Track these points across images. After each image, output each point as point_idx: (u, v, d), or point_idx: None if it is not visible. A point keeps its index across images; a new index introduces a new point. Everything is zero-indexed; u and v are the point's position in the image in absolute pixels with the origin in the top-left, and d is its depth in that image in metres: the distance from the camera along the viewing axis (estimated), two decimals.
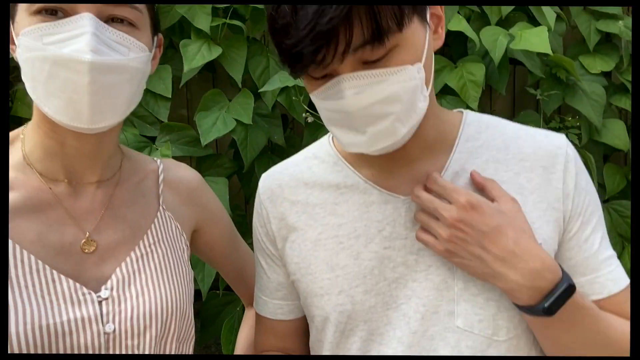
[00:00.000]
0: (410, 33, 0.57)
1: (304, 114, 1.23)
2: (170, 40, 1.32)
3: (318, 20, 0.53)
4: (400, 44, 0.57)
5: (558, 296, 0.58)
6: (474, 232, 0.59)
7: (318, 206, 0.72)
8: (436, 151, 0.68)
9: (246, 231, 1.33)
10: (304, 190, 0.73)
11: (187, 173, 0.80)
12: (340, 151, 0.73)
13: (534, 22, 1.44)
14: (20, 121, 1.24)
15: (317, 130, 1.26)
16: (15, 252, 0.59)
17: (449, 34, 1.35)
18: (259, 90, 1.25)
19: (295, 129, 1.39)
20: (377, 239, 0.67)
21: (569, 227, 0.64)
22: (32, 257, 0.60)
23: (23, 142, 0.66)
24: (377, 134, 0.60)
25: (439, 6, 0.63)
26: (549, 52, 1.23)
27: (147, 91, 1.23)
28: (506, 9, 1.40)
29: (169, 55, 1.32)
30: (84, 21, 0.57)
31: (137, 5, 0.61)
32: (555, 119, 1.46)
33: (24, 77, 0.60)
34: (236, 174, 1.35)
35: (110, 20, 0.60)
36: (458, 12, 1.38)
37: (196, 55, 1.20)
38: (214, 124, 1.21)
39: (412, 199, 0.64)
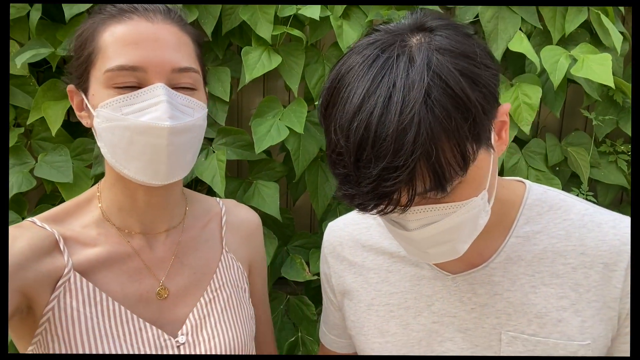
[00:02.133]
0: (475, 169, 0.54)
1: None
2: (229, 41, 1.33)
3: (381, 183, 0.51)
4: (464, 180, 0.54)
5: None
6: None
7: (372, 271, 0.75)
8: (491, 231, 0.66)
9: (292, 234, 1.40)
10: (361, 253, 0.76)
11: (248, 215, 0.85)
12: None
13: (597, 40, 1.40)
14: None
15: None
16: (107, 303, 0.66)
17: (508, 51, 1.33)
18: (315, 103, 1.26)
19: None
20: (425, 312, 0.69)
21: (626, 323, 0.63)
22: (122, 308, 0.66)
23: (100, 200, 0.71)
24: (439, 254, 0.60)
25: (505, 112, 0.59)
26: (612, 84, 1.20)
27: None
28: (569, 27, 1.36)
29: (228, 56, 1.34)
30: (159, 90, 0.62)
31: (196, 68, 0.67)
32: (607, 143, 1.45)
33: (101, 143, 0.65)
34: (285, 177, 1.39)
35: (175, 85, 0.65)
36: (520, 29, 1.35)
37: (256, 64, 1.22)
38: (268, 132, 1.24)
39: None
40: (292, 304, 1.35)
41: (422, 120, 0.49)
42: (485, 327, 0.66)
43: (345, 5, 1.30)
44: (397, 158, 0.50)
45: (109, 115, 0.62)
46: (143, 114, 0.61)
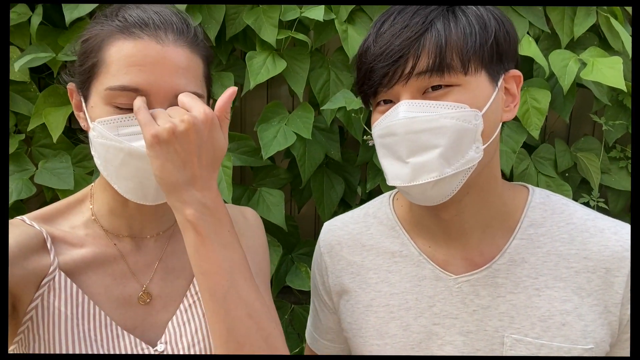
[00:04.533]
0: (475, 82, 0.60)
1: (364, 137, 1.23)
2: (233, 47, 1.32)
3: (393, 41, 0.61)
4: (463, 85, 0.60)
5: None
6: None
7: (372, 271, 0.73)
8: (495, 232, 0.67)
9: (297, 242, 1.37)
10: (360, 252, 0.75)
11: (241, 214, 0.81)
12: (399, 216, 0.75)
13: (606, 43, 1.38)
14: None
15: (372, 147, 1.26)
16: (88, 306, 0.65)
17: None
18: (321, 108, 1.24)
19: (351, 144, 1.39)
20: (427, 313, 0.68)
21: (625, 330, 0.63)
22: (102, 313, 0.66)
23: (92, 201, 0.71)
24: (420, 167, 0.60)
25: (515, 85, 0.65)
26: (623, 88, 1.18)
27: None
28: (578, 31, 1.34)
29: (232, 61, 1.32)
30: None
31: (201, 92, 0.64)
32: (617, 148, 1.42)
33: (94, 154, 0.64)
34: (289, 184, 1.37)
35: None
36: (528, 33, 1.33)
37: (261, 69, 1.20)
38: (275, 138, 1.22)
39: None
40: (297, 313, 1.32)
41: (440, 12, 0.61)
42: (487, 330, 0.65)
43: (350, 10, 1.29)
44: (412, 22, 0.61)
45: (104, 133, 0.61)
46: (138, 138, 0.60)
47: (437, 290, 0.68)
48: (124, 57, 0.60)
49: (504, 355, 0.64)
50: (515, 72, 0.65)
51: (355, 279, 0.74)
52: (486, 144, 0.61)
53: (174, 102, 0.62)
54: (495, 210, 0.66)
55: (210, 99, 0.71)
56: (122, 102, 0.60)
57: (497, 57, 0.62)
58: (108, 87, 0.60)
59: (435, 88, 0.60)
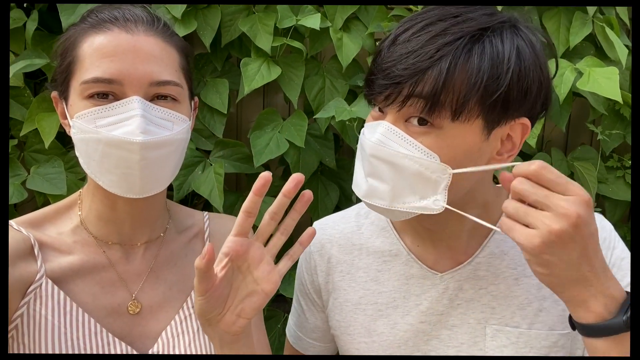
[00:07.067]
0: (461, 129, 0.57)
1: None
2: (228, 53, 1.31)
3: (399, 62, 0.57)
4: (445, 129, 0.57)
5: (629, 307, 0.51)
6: (586, 232, 0.49)
7: (362, 270, 0.75)
8: (477, 230, 0.69)
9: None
10: (350, 251, 0.76)
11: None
12: None
13: (602, 53, 1.38)
14: None
15: None
16: (77, 314, 0.64)
17: None
18: (314, 117, 1.24)
19: (346, 152, 1.39)
20: (414, 312, 0.70)
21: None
22: (92, 320, 0.65)
23: (80, 208, 0.70)
24: (373, 190, 0.61)
25: (520, 133, 0.60)
26: (619, 99, 1.18)
27: (205, 105, 1.24)
28: (574, 40, 1.34)
29: (227, 68, 1.32)
30: (133, 104, 0.61)
31: (178, 81, 0.65)
32: (614, 158, 1.41)
33: (77, 153, 0.65)
34: None
35: (156, 97, 0.64)
36: None
37: (256, 76, 1.20)
38: (267, 145, 1.22)
39: (512, 186, 0.53)
40: None
41: (458, 44, 0.55)
42: (470, 323, 0.67)
43: (345, 17, 1.29)
44: (423, 49, 0.56)
45: (82, 127, 0.61)
46: (116, 127, 0.60)
47: (424, 289, 0.70)
48: (95, 50, 0.62)
49: (486, 345, 0.66)
50: (524, 121, 0.60)
51: (344, 277, 0.75)
52: (455, 194, 0.60)
53: (149, 90, 0.62)
54: (475, 214, 0.67)
55: (193, 95, 0.71)
56: (97, 93, 0.61)
57: (503, 107, 0.57)
58: (82, 80, 0.61)
59: (418, 121, 0.58)
